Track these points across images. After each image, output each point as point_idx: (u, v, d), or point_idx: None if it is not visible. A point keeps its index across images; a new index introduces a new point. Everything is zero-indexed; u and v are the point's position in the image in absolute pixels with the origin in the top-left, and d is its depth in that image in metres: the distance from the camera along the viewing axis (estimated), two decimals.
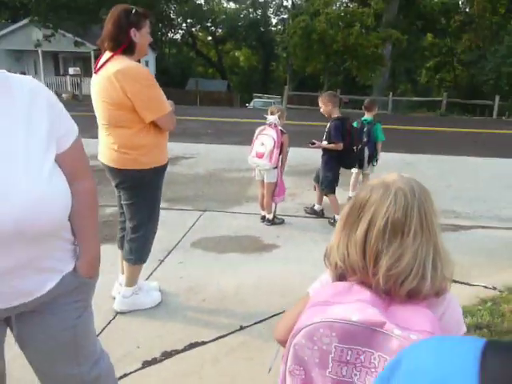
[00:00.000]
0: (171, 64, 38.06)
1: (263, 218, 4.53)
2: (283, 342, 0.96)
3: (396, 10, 20.70)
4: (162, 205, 2.75)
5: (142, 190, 2.54)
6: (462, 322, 0.97)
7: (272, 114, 4.37)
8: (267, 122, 4.36)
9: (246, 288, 3.16)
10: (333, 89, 20.20)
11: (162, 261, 3.55)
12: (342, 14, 18.96)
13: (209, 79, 38.98)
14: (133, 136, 2.41)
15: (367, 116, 5.25)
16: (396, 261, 0.87)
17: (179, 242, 3.95)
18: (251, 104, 27.23)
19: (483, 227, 4.51)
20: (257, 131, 4.39)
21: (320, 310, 0.87)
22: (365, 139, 5.08)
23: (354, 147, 4.65)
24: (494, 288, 3.08)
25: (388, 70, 21.11)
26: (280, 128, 4.31)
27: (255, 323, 2.71)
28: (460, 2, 24.19)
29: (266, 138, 4.27)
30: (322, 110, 4.55)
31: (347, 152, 4.49)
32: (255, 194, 5.28)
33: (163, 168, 2.60)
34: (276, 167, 4.35)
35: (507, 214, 4.89)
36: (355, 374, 0.84)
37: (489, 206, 5.11)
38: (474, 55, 22.79)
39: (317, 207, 4.86)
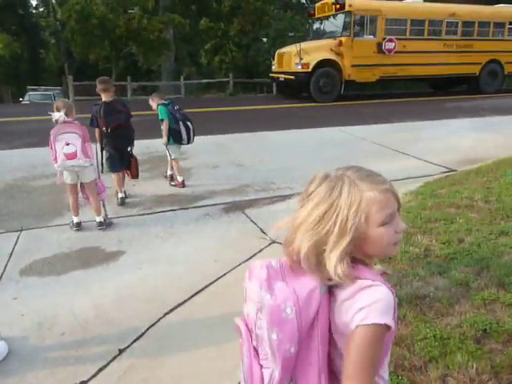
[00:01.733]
0: None
1: (79, 224, 4.11)
2: None
3: None
4: None
5: None
6: (367, 316, 0.89)
7: (58, 109, 3.93)
8: (54, 120, 3.91)
9: (107, 305, 2.85)
10: (121, 76, 19.40)
11: None
12: None
13: None
14: None
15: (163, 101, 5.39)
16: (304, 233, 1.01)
17: (3, 273, 3.28)
18: (26, 98, 24.06)
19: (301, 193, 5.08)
20: (52, 133, 3.89)
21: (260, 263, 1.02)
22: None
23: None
24: None
25: (173, 54, 21.33)
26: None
27: (133, 341, 2.48)
28: None
29: (69, 137, 3.87)
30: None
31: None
32: None
33: None
34: (92, 163, 4.08)
35: None
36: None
37: (301, 173, 5.77)
38: (248, 38, 24.96)
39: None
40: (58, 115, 3.87)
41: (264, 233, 3.95)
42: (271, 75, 15.07)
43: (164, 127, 5.21)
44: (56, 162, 3.90)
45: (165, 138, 5.25)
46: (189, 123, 5.35)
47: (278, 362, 0.93)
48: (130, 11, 18.11)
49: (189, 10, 23.74)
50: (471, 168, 5.61)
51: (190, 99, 17.14)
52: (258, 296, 0.95)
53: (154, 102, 5.44)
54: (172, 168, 5.54)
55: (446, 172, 5.67)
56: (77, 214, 4.14)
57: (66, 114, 3.90)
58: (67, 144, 3.85)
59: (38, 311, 2.78)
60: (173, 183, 5.47)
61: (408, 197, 4.54)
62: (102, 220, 4.16)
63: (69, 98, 17.40)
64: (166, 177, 5.66)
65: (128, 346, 2.43)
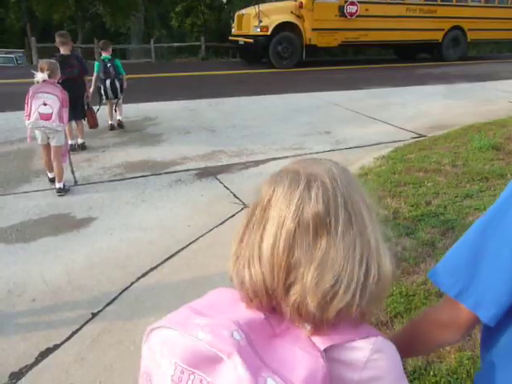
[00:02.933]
0: None
1: (53, 180, 4.17)
2: None
3: None
4: None
5: None
6: None
7: (42, 70, 3.96)
8: (36, 81, 3.92)
9: (79, 272, 2.83)
10: (89, 38, 18.54)
11: None
12: None
13: None
14: None
15: (105, 54, 5.96)
16: (322, 271, 0.63)
17: None
18: None
19: (274, 159, 5.08)
20: (31, 90, 3.88)
21: (180, 314, 0.67)
22: (113, 73, 5.88)
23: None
24: None
25: (142, 16, 20.48)
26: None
27: (106, 305, 2.48)
28: None
29: (48, 97, 3.86)
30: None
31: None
32: (43, 168, 4.63)
33: None
34: (64, 128, 4.13)
35: (289, 143, 5.61)
36: None
37: (274, 139, 5.76)
38: (220, 0, 24.17)
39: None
40: (41, 76, 3.89)
41: (237, 197, 3.96)
42: (230, 38, 14.29)
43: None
44: (29, 119, 3.87)
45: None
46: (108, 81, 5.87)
47: None
48: None
49: None
50: (440, 134, 5.71)
51: (161, 63, 16.64)
52: None
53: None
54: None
55: (415, 138, 5.76)
56: (51, 171, 4.19)
57: (49, 76, 3.93)
58: (44, 104, 3.83)
59: (6, 278, 2.73)
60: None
61: (379, 161, 4.61)
62: (62, 186, 4.07)
63: (32, 62, 16.61)
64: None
65: (101, 310, 2.43)
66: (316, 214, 0.64)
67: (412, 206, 3.40)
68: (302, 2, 12.62)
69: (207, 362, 0.59)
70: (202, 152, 5.26)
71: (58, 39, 5.14)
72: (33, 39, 15.40)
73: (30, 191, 4.15)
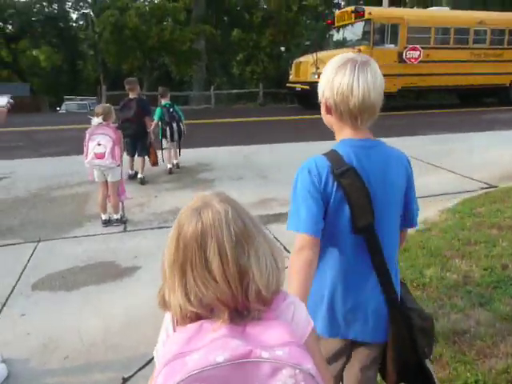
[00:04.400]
0: None
1: (106, 221, 4.43)
2: None
3: (204, 6, 21.10)
4: None
5: None
6: (309, 317, 0.94)
7: (97, 115, 4.32)
8: (93, 124, 4.30)
9: (115, 327, 2.69)
10: (155, 86, 19.64)
11: None
12: (154, 9, 18.41)
13: (5, 82, 33.85)
14: None
15: (165, 101, 6.28)
16: (261, 267, 0.84)
17: (14, 287, 3.18)
18: (63, 108, 24.83)
19: None
20: (87, 133, 4.30)
21: (179, 364, 0.75)
22: (176, 116, 6.22)
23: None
24: None
25: (204, 64, 21.47)
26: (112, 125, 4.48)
27: (139, 370, 2.29)
28: None
29: (102, 138, 4.24)
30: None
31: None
32: (96, 212, 4.70)
33: None
34: (119, 165, 4.40)
35: None
36: None
37: None
38: (279, 49, 24.89)
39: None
40: (96, 120, 4.27)
41: (287, 251, 3.71)
42: (288, 85, 14.60)
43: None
44: (86, 159, 4.29)
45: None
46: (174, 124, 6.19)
47: None
48: (162, 22, 18.34)
49: (221, 21, 23.92)
50: None
51: (220, 109, 17.14)
52: None
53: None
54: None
55: (485, 188, 5.28)
56: (105, 212, 4.46)
57: (104, 119, 4.28)
58: (98, 144, 4.22)
59: (44, 331, 2.64)
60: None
61: (444, 215, 4.21)
62: (119, 217, 4.46)
63: None
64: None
65: (132, 376, 2.24)
66: (239, 230, 0.84)
67: (485, 269, 2.98)
68: (360, 50, 12.63)
69: (235, 376, 0.74)
70: (253, 199, 5.11)
71: (126, 86, 5.96)
72: (104, 87, 16.52)
73: (81, 236, 4.16)
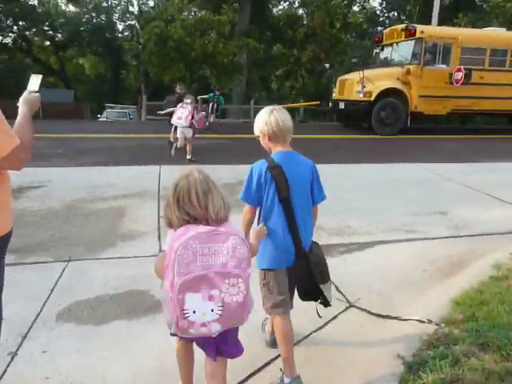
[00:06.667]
0: (1, 71, 33.06)
1: (171, 143, 8.44)
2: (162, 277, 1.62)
3: (248, 20, 21.16)
4: (7, 258, 1.75)
5: None
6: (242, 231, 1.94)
7: (187, 99, 8.36)
8: (185, 102, 8.28)
9: (146, 374, 2.33)
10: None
11: (15, 354, 2.48)
12: (198, 21, 18.57)
13: (51, 89, 34.97)
14: None
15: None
16: (214, 204, 1.65)
17: (38, 315, 2.88)
18: (104, 115, 25.27)
19: (382, 242, 4.35)
20: (178, 106, 8.31)
21: (181, 236, 1.56)
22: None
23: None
24: (430, 321, 2.78)
25: (245, 78, 21.42)
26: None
27: None
28: (304, 15, 26.04)
29: (183, 110, 8.12)
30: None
31: None
32: (130, 230, 4.44)
33: (5, 239, 1.65)
34: (190, 127, 8.18)
35: (398, 223, 4.86)
36: (213, 259, 1.55)
37: (380, 217, 5.03)
38: (320, 65, 24.65)
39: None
40: (189, 99, 8.38)
41: (339, 292, 3.28)
42: (330, 102, 14.44)
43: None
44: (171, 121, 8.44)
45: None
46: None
47: None
48: (206, 35, 18.44)
49: (263, 36, 23.89)
50: None
51: None
52: None
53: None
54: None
55: None
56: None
57: (191, 102, 8.27)
58: (182, 112, 8.09)
59: (65, 374, 2.31)
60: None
61: None
62: (190, 157, 8.01)
63: (141, 117, 17.84)
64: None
65: None
66: (205, 187, 1.68)
67: None
68: (409, 69, 12.13)
69: (210, 239, 1.58)
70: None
71: (179, 86, 10.82)
72: (144, 97, 16.62)
73: (114, 257, 3.86)
